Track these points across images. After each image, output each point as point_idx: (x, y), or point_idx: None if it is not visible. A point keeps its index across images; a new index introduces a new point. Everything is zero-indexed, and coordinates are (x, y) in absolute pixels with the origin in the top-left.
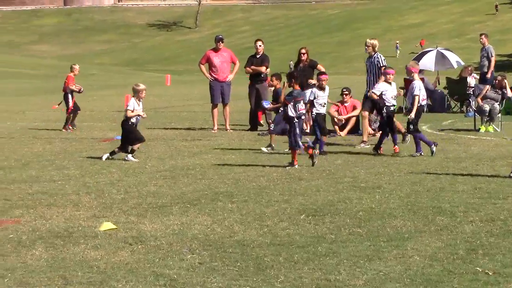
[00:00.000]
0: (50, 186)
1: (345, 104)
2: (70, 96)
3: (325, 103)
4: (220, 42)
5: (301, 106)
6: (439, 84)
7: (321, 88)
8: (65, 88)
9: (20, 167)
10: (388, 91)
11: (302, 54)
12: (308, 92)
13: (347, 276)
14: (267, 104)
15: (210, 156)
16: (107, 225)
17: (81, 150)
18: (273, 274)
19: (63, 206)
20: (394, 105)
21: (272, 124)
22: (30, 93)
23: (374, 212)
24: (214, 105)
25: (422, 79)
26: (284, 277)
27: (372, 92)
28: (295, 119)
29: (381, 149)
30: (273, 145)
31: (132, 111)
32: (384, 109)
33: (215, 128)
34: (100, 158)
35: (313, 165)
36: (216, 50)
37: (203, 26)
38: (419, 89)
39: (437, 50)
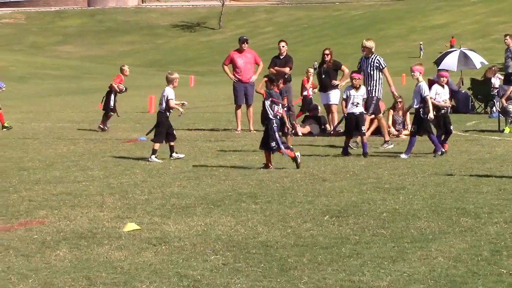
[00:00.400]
0: (74, 187)
1: None
2: (113, 96)
3: (358, 103)
4: (245, 43)
5: (277, 108)
6: (462, 84)
7: (354, 87)
8: (111, 86)
9: (45, 168)
10: (440, 94)
11: (326, 55)
12: (333, 93)
13: (371, 277)
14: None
15: (233, 157)
16: (131, 226)
17: (105, 151)
18: (296, 275)
19: (87, 207)
20: (444, 108)
21: (298, 126)
22: (54, 94)
23: (398, 213)
24: (238, 106)
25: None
26: (308, 278)
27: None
28: (274, 121)
29: (446, 146)
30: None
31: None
32: (434, 112)
33: (239, 129)
34: (149, 160)
35: (297, 167)
36: (240, 51)
37: (227, 27)
38: (429, 90)
39: (460, 51)
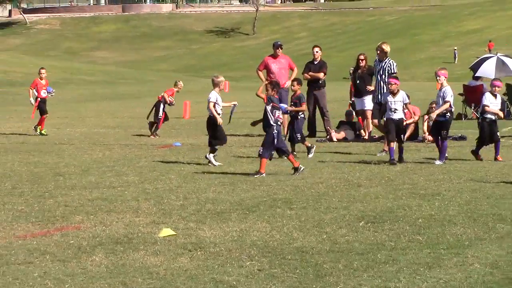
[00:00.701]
0: (110, 192)
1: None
2: (162, 106)
3: (396, 109)
4: (279, 49)
5: (278, 113)
6: None
7: (391, 92)
8: (161, 97)
9: (80, 174)
10: (493, 104)
11: (360, 61)
12: (368, 98)
13: (406, 283)
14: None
15: (268, 163)
16: (166, 232)
17: (140, 156)
18: (332, 281)
19: (122, 212)
20: (493, 116)
21: (333, 132)
22: (89, 99)
23: (434, 219)
24: None
25: (482, 86)
26: (343, 284)
27: (486, 106)
28: (274, 127)
29: (479, 156)
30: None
31: (215, 103)
32: (480, 119)
33: None
34: (209, 164)
35: (294, 172)
36: (274, 56)
37: (261, 33)
38: (451, 95)
39: (497, 57)
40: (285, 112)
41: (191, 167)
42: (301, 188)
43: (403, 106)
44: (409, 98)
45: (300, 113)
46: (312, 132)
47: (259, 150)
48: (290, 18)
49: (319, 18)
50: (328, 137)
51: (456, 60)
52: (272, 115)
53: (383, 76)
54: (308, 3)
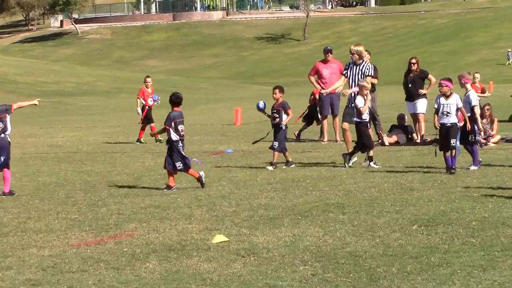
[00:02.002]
0: (162, 200)
1: None
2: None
3: (448, 113)
4: (329, 54)
5: (182, 127)
6: None
7: (444, 94)
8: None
9: (133, 181)
10: None
11: (412, 64)
12: (420, 102)
13: (461, 286)
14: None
15: (320, 168)
16: (219, 238)
17: (192, 164)
18: (386, 285)
19: (175, 219)
20: None
21: (385, 136)
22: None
23: (488, 222)
24: (324, 117)
25: None
26: None
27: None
28: (179, 143)
29: None
30: (276, 163)
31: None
32: None
33: (325, 139)
34: (345, 165)
35: (202, 186)
36: (325, 61)
37: (312, 38)
38: (476, 99)
39: None
40: (260, 108)
41: (243, 174)
42: (354, 193)
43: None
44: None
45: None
46: None
47: (169, 165)
48: (341, 23)
49: (370, 22)
50: (380, 141)
51: (509, 62)
52: (177, 132)
53: (358, 81)
54: (359, 7)
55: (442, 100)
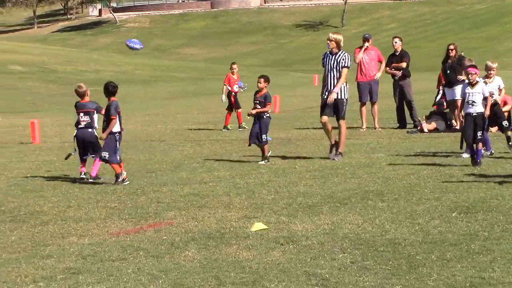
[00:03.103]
0: (201, 188)
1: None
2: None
3: (474, 101)
4: (369, 41)
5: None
6: None
7: (470, 83)
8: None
9: (172, 170)
10: None
11: (450, 50)
12: (458, 88)
13: (501, 273)
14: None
15: (359, 155)
16: (258, 226)
17: (231, 151)
18: (425, 272)
19: (214, 208)
20: None
21: (424, 122)
22: (179, 96)
23: None
24: (362, 104)
25: None
26: (437, 275)
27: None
28: (118, 134)
29: None
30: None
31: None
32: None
33: (364, 126)
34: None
35: (114, 182)
36: (363, 48)
37: (350, 25)
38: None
39: None
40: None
41: (282, 161)
42: (393, 180)
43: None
44: (501, 88)
45: (265, 113)
46: (402, 124)
47: (104, 157)
48: (379, 10)
49: (408, 8)
50: (418, 128)
51: None
52: (120, 124)
53: (335, 71)
54: None
55: (468, 89)
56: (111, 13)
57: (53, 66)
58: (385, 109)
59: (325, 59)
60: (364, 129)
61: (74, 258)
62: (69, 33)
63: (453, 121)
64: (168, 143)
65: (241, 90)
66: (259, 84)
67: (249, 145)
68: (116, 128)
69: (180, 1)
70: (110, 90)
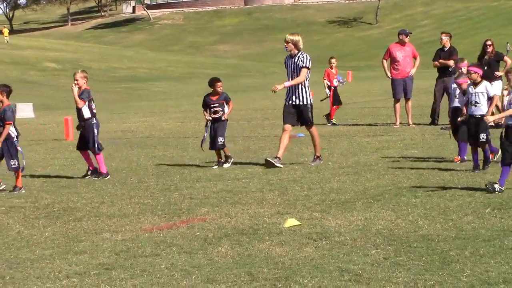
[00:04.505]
0: (234, 184)
1: None
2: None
3: (477, 102)
4: (406, 36)
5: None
6: None
7: (473, 83)
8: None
9: (205, 166)
10: None
11: (488, 46)
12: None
13: None
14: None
15: (392, 151)
16: (291, 222)
17: (264, 148)
18: (458, 268)
19: (247, 204)
20: None
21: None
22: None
23: None
24: (397, 100)
25: None
26: (470, 271)
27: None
28: (94, 120)
29: None
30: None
31: None
32: None
33: (398, 123)
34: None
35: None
36: (402, 43)
37: (383, 21)
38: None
39: None
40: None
41: None
42: (426, 176)
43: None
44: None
45: (223, 115)
46: (434, 120)
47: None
48: (413, 6)
49: (443, 4)
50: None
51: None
52: (90, 110)
53: (295, 75)
54: None
55: (471, 89)
56: (144, 10)
57: (87, 63)
58: (419, 106)
59: (287, 62)
60: (398, 126)
61: (107, 254)
62: (103, 30)
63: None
64: (201, 140)
65: (340, 85)
66: (219, 88)
67: (210, 148)
68: (12, 132)
69: None
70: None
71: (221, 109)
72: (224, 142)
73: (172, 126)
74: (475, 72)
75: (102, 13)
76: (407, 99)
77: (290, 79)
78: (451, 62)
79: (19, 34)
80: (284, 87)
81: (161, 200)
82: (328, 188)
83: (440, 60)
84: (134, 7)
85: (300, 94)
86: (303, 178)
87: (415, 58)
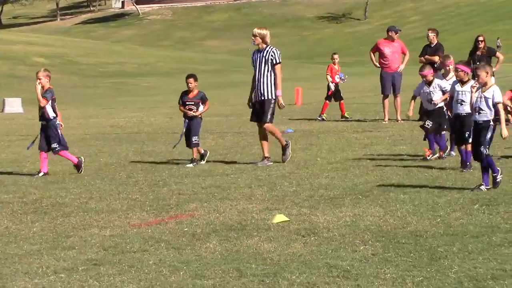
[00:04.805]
0: (223, 180)
1: None
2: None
3: (463, 101)
4: (394, 33)
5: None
6: None
7: (460, 80)
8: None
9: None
10: None
11: (479, 42)
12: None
13: None
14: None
15: (381, 148)
16: (279, 218)
17: (253, 144)
18: (447, 264)
19: (236, 199)
20: None
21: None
22: (202, 88)
23: None
24: (385, 96)
25: None
26: (458, 267)
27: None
28: (57, 120)
29: None
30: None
31: None
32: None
33: (386, 119)
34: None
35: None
36: (391, 39)
37: (373, 17)
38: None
39: None
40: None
41: (304, 153)
42: (415, 172)
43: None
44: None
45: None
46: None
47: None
48: (402, 2)
49: (432, 1)
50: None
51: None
52: (54, 109)
53: (265, 69)
54: None
55: (458, 86)
56: (133, 5)
57: (76, 58)
58: (408, 102)
59: (253, 57)
60: (387, 122)
61: (95, 249)
62: (92, 25)
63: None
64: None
65: (342, 81)
66: (190, 84)
67: (186, 146)
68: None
69: None
70: None
71: (195, 108)
72: (198, 141)
73: (161, 122)
74: (462, 70)
75: (91, 8)
76: (395, 95)
77: (258, 73)
78: (436, 58)
79: (8, 28)
80: (280, 96)
81: (150, 195)
82: (317, 184)
83: (426, 56)
84: (123, 2)
85: (265, 88)
86: (291, 174)
87: (404, 54)
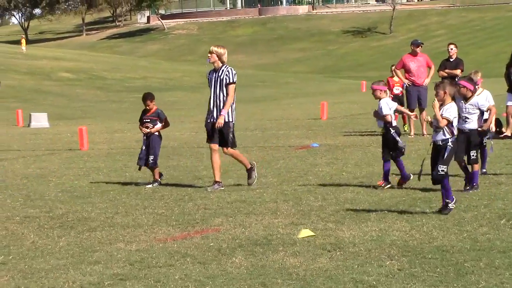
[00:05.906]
0: (249, 195)
1: None
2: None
3: (467, 117)
4: (419, 47)
5: None
6: None
7: (464, 97)
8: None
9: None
10: None
11: None
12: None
13: None
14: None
15: (407, 162)
16: (305, 232)
17: (278, 158)
18: (473, 279)
19: (261, 214)
20: None
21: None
22: None
23: None
24: (411, 110)
25: None
26: (485, 283)
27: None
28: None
29: None
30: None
31: None
32: None
33: (412, 133)
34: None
35: None
36: (412, 54)
37: (398, 31)
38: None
39: None
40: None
41: (329, 168)
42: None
43: (479, 115)
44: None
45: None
46: None
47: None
48: (427, 16)
49: (457, 15)
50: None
51: None
52: None
53: (220, 90)
54: (445, 0)
55: (462, 103)
56: (159, 20)
57: (101, 73)
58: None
59: (209, 77)
60: (412, 136)
61: (121, 264)
62: (117, 40)
63: (503, 128)
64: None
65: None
66: (148, 106)
67: (139, 169)
68: None
69: (228, 8)
70: None
71: (151, 125)
72: (155, 161)
73: (187, 136)
74: (464, 87)
75: (117, 23)
76: (421, 109)
77: (213, 94)
78: (458, 72)
79: (34, 44)
80: (222, 115)
81: (175, 210)
82: (343, 199)
83: (447, 70)
84: (148, 17)
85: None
86: (317, 189)
87: (429, 67)
